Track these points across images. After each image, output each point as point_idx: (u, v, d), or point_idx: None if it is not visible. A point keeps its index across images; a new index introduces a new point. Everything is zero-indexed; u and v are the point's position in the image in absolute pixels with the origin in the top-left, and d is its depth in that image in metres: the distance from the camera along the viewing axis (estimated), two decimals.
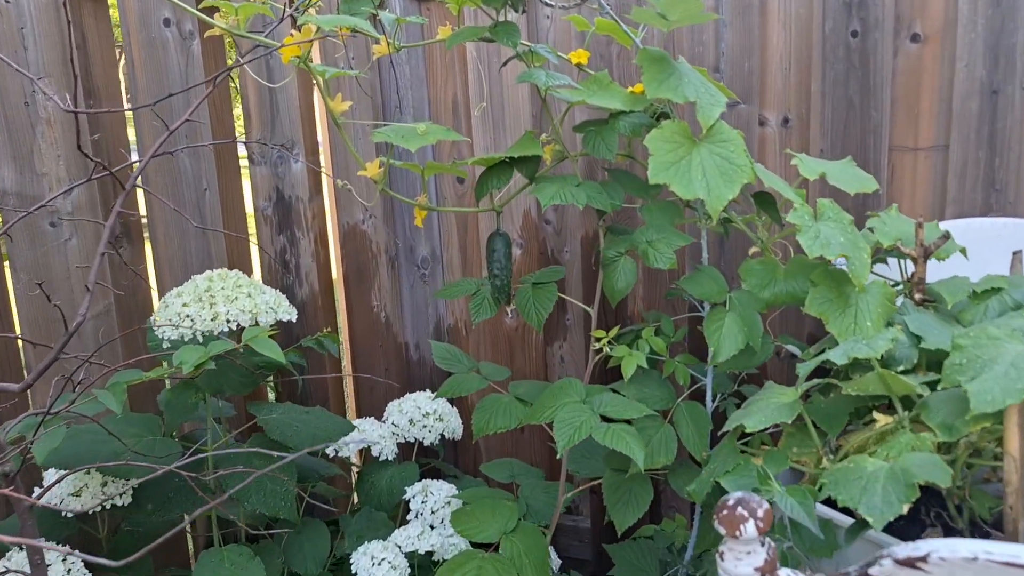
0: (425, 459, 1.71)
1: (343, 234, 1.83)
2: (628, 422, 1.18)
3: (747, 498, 0.67)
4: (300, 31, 1.10)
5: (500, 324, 1.99)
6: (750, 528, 0.65)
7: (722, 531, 0.67)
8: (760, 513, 0.66)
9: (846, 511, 1.09)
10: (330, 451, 1.42)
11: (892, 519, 0.92)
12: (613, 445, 1.08)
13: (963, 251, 1.32)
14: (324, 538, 1.31)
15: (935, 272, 1.37)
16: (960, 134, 1.62)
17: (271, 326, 1.13)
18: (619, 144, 1.41)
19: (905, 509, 0.93)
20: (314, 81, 1.10)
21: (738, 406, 1.26)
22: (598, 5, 1.23)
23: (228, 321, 1.12)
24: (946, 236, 1.22)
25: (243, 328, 1.12)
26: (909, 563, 0.57)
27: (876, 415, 1.11)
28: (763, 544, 0.67)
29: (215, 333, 1.12)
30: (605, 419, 1.15)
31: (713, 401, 1.34)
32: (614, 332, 1.27)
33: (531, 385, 1.32)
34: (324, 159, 1.82)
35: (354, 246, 1.84)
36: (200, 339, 1.11)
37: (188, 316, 1.11)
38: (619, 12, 1.69)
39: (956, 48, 1.59)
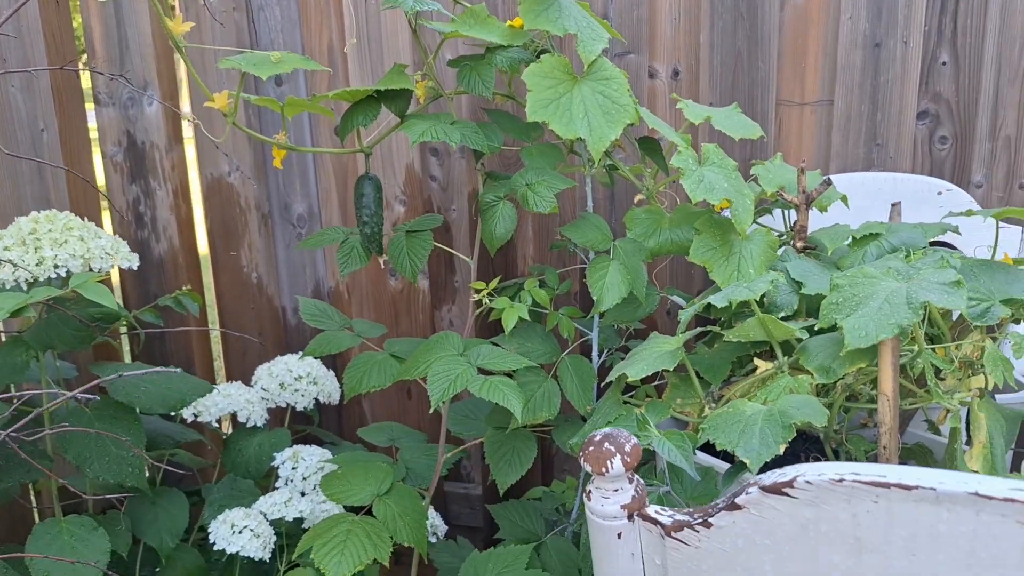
0: (302, 426, 1.61)
1: (207, 186, 1.69)
2: (510, 376, 1.12)
3: (615, 434, 0.62)
4: None
5: (384, 287, 1.90)
6: (617, 464, 0.60)
7: (588, 468, 0.61)
8: (628, 448, 0.60)
9: (726, 457, 1.06)
10: (188, 416, 1.31)
11: (769, 460, 0.89)
12: (490, 397, 1.02)
13: (844, 199, 1.31)
14: (182, 508, 1.20)
15: (819, 224, 1.36)
16: (844, 88, 1.62)
17: (106, 274, 1.01)
18: (500, 84, 1.33)
19: (782, 449, 0.90)
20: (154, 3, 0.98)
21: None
22: None
23: (56, 267, 0.99)
24: (827, 183, 1.20)
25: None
26: (776, 489, 0.52)
27: (757, 361, 1.08)
28: (631, 481, 0.62)
29: (41, 280, 0.99)
30: (483, 372, 1.08)
31: (600, 355, 1.30)
32: (494, 284, 1.20)
33: (408, 342, 1.24)
34: (187, 104, 1.68)
35: (220, 200, 1.71)
36: (24, 287, 0.99)
37: (10, 261, 0.98)
38: None
39: (841, 1, 1.59)
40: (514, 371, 1.16)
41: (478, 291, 1.17)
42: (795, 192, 1.22)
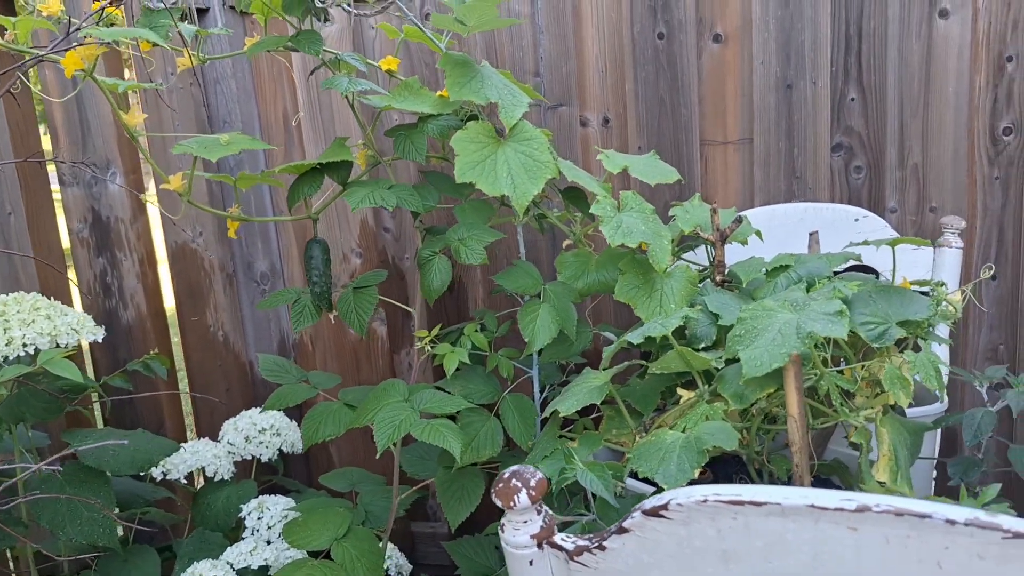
0: (268, 476, 1.67)
1: (172, 253, 1.77)
2: (453, 418, 1.20)
3: (521, 471, 0.70)
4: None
5: (345, 336, 1.98)
6: (523, 497, 0.68)
7: (499, 503, 0.70)
8: (532, 483, 0.69)
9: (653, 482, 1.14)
10: (158, 474, 1.37)
11: (685, 484, 0.98)
12: (431, 440, 1.10)
13: (758, 233, 1.41)
14: (153, 564, 1.26)
15: (750, 255, 1.46)
16: (761, 127, 1.74)
17: (74, 348, 1.09)
18: (437, 148, 1.43)
19: (696, 474, 0.99)
20: (105, 94, 1.07)
21: None
22: (401, 12, 1.25)
23: (24, 345, 1.07)
24: (739, 220, 1.30)
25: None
26: (654, 512, 0.61)
27: (680, 391, 1.18)
28: (539, 513, 0.70)
29: (11, 358, 1.06)
30: (428, 416, 1.17)
31: (541, 392, 1.38)
32: (435, 331, 1.29)
33: (361, 390, 1.32)
34: (151, 179, 1.76)
35: (184, 265, 1.79)
36: None
37: None
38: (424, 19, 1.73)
39: (753, 47, 1.71)
40: (458, 412, 1.25)
41: (421, 339, 1.26)
42: (710, 230, 1.33)
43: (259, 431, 1.49)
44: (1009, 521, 0.53)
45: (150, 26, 1.21)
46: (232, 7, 1.81)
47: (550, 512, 0.72)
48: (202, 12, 1.84)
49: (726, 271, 1.33)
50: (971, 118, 1.65)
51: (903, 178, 1.69)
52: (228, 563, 1.24)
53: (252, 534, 1.34)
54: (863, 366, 1.12)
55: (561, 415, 1.14)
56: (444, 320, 1.87)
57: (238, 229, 1.23)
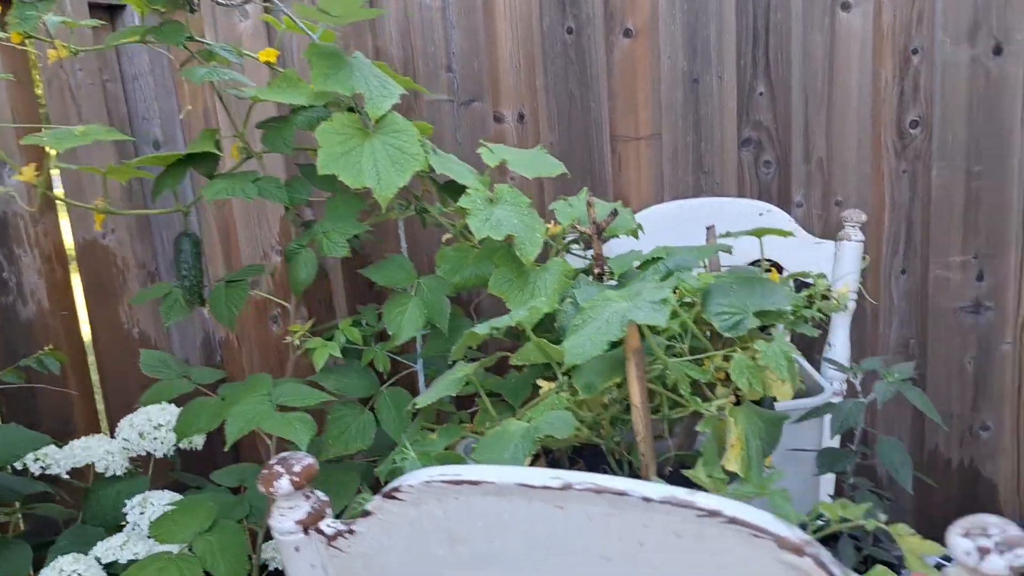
0: (173, 472, 1.67)
1: (80, 249, 1.77)
2: (321, 412, 1.20)
3: (288, 457, 0.70)
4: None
5: (267, 333, 1.98)
6: (284, 483, 0.68)
7: (262, 490, 0.69)
8: (297, 469, 0.69)
9: None
10: (36, 469, 1.37)
11: None
12: (280, 433, 1.09)
13: (639, 228, 1.41)
14: (23, 558, 1.26)
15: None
16: (669, 122, 1.74)
17: None
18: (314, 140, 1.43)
19: (527, 462, 0.98)
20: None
21: None
22: (272, 3, 1.25)
23: None
24: (614, 213, 1.30)
25: None
26: (389, 495, 0.60)
27: (541, 383, 1.17)
28: (308, 498, 0.70)
29: None
30: (287, 409, 1.16)
31: (428, 386, 1.38)
32: (309, 325, 1.28)
33: (237, 385, 1.32)
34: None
35: (94, 262, 1.79)
36: None
37: None
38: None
39: (660, 41, 1.71)
40: (337, 404, 1.25)
41: (295, 333, 1.26)
42: (588, 224, 1.32)
43: (154, 427, 1.49)
44: (704, 499, 0.53)
45: (20, 18, 1.22)
46: None
47: (322, 499, 0.71)
48: (117, 8, 1.84)
49: (605, 264, 1.33)
50: (877, 112, 1.64)
51: (809, 172, 1.69)
52: (96, 557, 1.23)
53: (132, 528, 1.34)
54: (723, 356, 1.12)
55: (418, 407, 1.13)
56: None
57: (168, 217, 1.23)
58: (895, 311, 1.73)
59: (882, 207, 1.69)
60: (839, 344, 1.60)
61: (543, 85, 1.77)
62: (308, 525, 0.69)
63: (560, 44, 1.74)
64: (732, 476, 1.12)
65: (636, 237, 1.53)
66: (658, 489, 0.53)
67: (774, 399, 1.37)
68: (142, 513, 1.36)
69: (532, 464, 1.25)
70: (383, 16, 1.82)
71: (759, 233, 1.26)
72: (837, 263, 1.60)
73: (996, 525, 0.51)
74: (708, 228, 1.54)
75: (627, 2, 1.72)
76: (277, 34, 1.87)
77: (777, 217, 1.66)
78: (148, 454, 1.52)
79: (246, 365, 2.03)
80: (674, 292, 1.12)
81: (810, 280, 1.52)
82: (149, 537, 1.30)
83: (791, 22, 1.63)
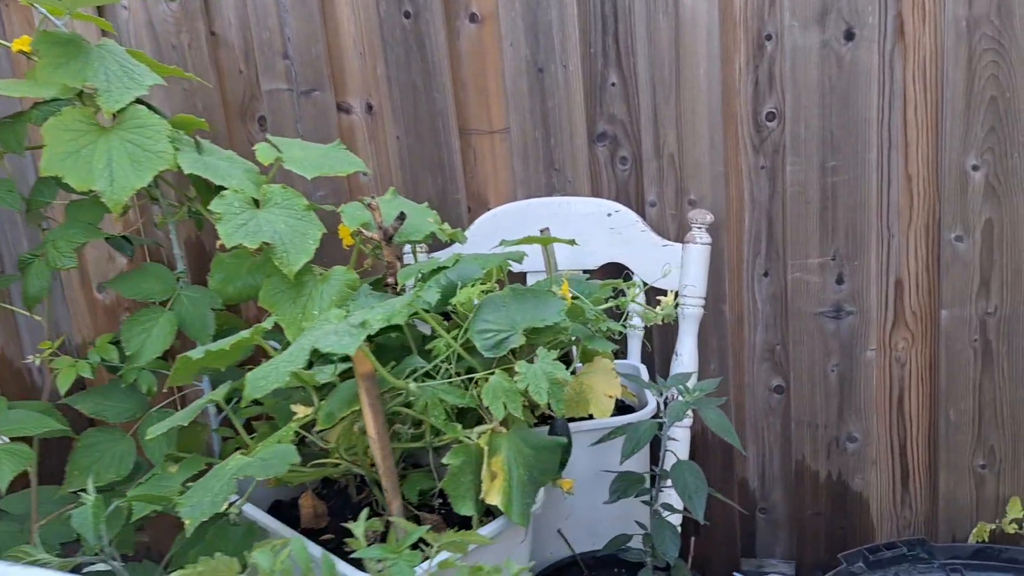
0: None
1: None
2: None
3: None
4: None
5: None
6: None
7: None
8: None
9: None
10: None
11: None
12: None
13: (457, 233, 1.29)
14: None
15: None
16: (517, 115, 1.62)
17: None
18: None
19: (225, 506, 0.88)
20: None
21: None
22: None
23: None
24: (402, 217, 1.18)
25: None
26: None
27: (295, 408, 1.06)
28: None
29: None
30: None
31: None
32: (60, 341, 1.17)
33: None
34: None
35: None
36: None
37: None
38: None
39: (502, 27, 1.58)
40: (92, 430, 1.14)
41: (42, 352, 1.14)
42: (375, 229, 1.21)
43: None
44: None
45: None
46: None
47: None
48: None
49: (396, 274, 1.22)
50: (730, 103, 1.53)
51: (661, 169, 1.57)
52: None
53: None
54: (476, 381, 1.00)
55: (149, 438, 1.02)
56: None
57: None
58: (760, 316, 1.62)
59: (741, 205, 1.58)
60: (686, 354, 1.49)
61: (385, 74, 1.65)
62: None
63: (399, 30, 1.62)
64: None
65: (452, 242, 1.42)
66: None
67: (590, 416, 1.27)
68: None
69: (301, 496, 1.14)
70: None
71: (544, 241, 1.15)
72: (684, 268, 1.49)
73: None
74: (542, 231, 1.43)
75: None
76: (120, 24, 1.75)
77: (626, 217, 1.55)
78: None
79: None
80: (428, 310, 1.01)
81: (662, 287, 1.41)
82: None
83: (635, 4, 1.51)
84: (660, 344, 1.63)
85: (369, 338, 1.12)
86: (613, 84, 1.58)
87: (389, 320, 0.91)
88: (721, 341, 1.62)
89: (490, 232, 1.60)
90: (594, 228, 1.56)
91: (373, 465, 1.07)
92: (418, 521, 1.06)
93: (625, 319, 1.22)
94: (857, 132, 1.46)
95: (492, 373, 0.99)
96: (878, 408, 1.59)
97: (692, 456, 1.66)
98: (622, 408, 1.40)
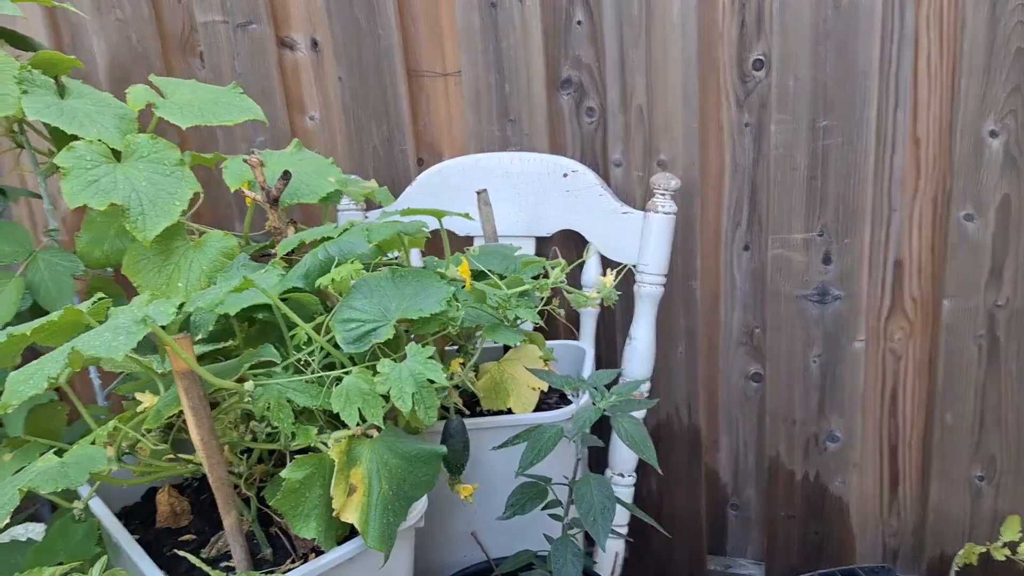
0: None
1: None
2: None
3: None
4: None
5: None
6: None
7: None
8: None
9: None
10: None
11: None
12: None
13: (370, 195, 1.13)
14: None
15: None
16: (468, 56, 1.42)
17: None
18: None
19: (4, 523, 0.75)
20: None
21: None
22: None
23: None
24: (287, 176, 1.02)
25: None
26: None
27: (140, 396, 0.92)
28: None
29: None
30: None
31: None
32: None
33: None
34: None
35: None
36: None
37: None
38: None
39: None
40: None
41: None
42: (256, 189, 1.05)
43: None
44: None
45: None
46: None
47: None
48: None
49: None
50: (711, 47, 1.31)
51: (627, 124, 1.37)
52: None
53: None
54: (337, 377, 0.85)
55: None
56: None
57: None
58: (738, 295, 1.43)
59: (721, 168, 1.38)
60: (640, 337, 1.32)
61: (324, 6, 1.46)
62: None
63: None
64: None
65: (366, 205, 1.26)
66: None
67: (508, 411, 1.11)
68: None
69: (158, 493, 1.01)
70: None
71: (438, 215, 0.97)
72: (643, 238, 1.30)
73: None
74: (479, 193, 1.26)
75: None
76: None
77: (584, 178, 1.36)
78: None
79: None
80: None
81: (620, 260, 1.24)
82: None
83: None
84: (624, 321, 1.46)
85: (248, 316, 0.98)
86: (579, 23, 1.37)
87: (211, 308, 0.75)
88: (690, 322, 1.43)
89: (436, 190, 1.43)
90: (548, 190, 1.38)
91: (238, 468, 0.93)
92: (270, 533, 0.92)
93: (546, 304, 1.04)
94: (855, 86, 1.24)
95: (348, 372, 0.83)
96: (866, 405, 1.39)
97: (657, 445, 1.50)
98: (564, 398, 1.24)
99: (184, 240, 1.02)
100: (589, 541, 1.26)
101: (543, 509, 1.00)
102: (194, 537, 0.98)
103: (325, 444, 0.85)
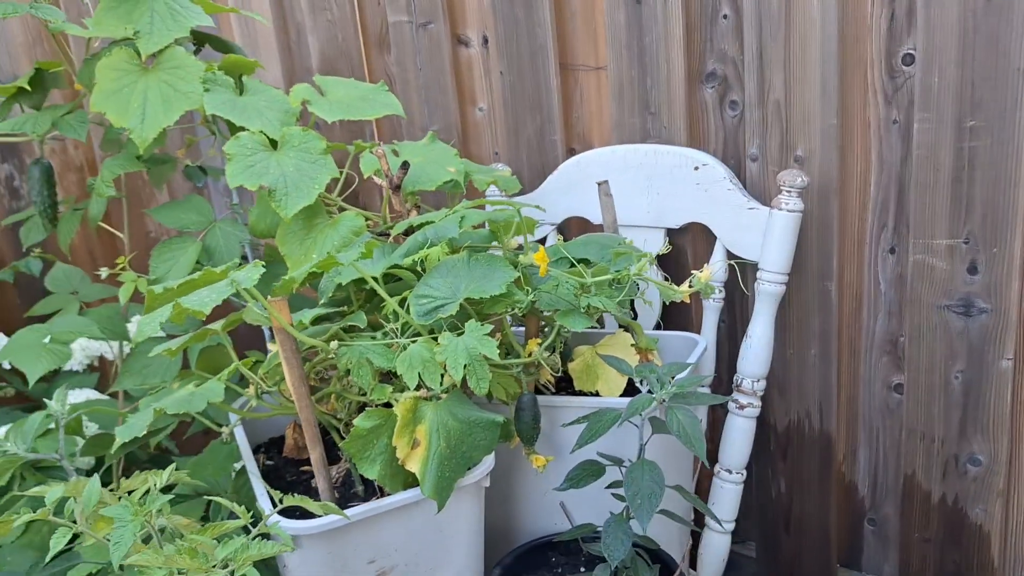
0: None
1: None
2: None
3: None
4: None
5: None
6: None
7: None
8: None
9: None
10: None
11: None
12: None
13: (481, 180, 1.23)
14: None
15: None
16: (613, 51, 1.48)
17: None
18: None
19: (144, 432, 0.95)
20: None
21: None
22: None
23: None
24: (405, 166, 1.15)
25: None
26: None
27: (270, 345, 1.10)
28: None
29: None
30: None
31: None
32: (129, 257, 1.32)
33: None
34: None
35: None
36: None
37: None
38: None
39: None
40: None
41: None
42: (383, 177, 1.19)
43: None
44: None
45: None
46: None
47: None
48: None
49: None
50: (857, 41, 1.26)
51: (764, 118, 1.35)
52: None
53: None
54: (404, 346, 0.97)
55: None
56: None
57: None
58: (882, 300, 1.37)
59: (868, 166, 1.32)
60: (757, 336, 1.31)
61: (491, 4, 1.58)
62: None
63: None
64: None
65: (478, 192, 1.36)
66: None
67: (595, 393, 1.19)
68: None
69: (288, 427, 1.20)
70: None
71: (515, 206, 1.05)
72: (766, 235, 1.29)
73: None
74: (599, 184, 1.33)
75: None
76: None
77: (713, 173, 1.37)
78: None
79: None
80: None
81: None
82: None
83: None
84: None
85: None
86: (725, 16, 1.37)
87: (301, 280, 0.90)
88: (825, 324, 1.39)
89: (575, 178, 1.51)
90: (680, 182, 1.40)
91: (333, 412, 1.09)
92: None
93: (627, 293, 1.09)
94: (1006, 85, 1.14)
95: (414, 341, 0.95)
96: (1016, 430, 1.28)
97: (784, 450, 1.49)
98: None
99: (324, 218, 1.19)
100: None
101: (607, 488, 1.06)
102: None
103: (397, 401, 0.97)
